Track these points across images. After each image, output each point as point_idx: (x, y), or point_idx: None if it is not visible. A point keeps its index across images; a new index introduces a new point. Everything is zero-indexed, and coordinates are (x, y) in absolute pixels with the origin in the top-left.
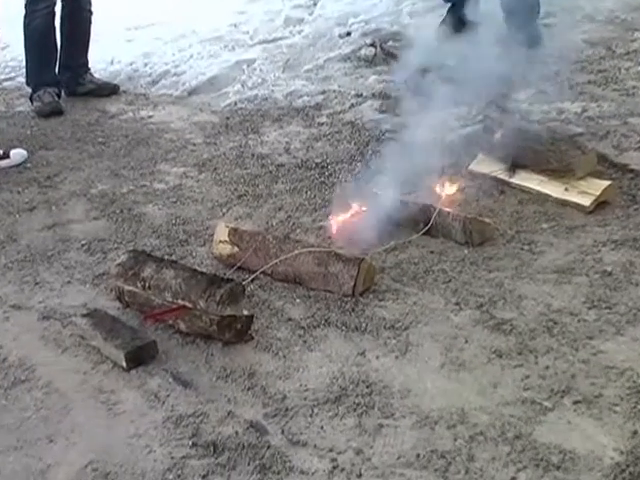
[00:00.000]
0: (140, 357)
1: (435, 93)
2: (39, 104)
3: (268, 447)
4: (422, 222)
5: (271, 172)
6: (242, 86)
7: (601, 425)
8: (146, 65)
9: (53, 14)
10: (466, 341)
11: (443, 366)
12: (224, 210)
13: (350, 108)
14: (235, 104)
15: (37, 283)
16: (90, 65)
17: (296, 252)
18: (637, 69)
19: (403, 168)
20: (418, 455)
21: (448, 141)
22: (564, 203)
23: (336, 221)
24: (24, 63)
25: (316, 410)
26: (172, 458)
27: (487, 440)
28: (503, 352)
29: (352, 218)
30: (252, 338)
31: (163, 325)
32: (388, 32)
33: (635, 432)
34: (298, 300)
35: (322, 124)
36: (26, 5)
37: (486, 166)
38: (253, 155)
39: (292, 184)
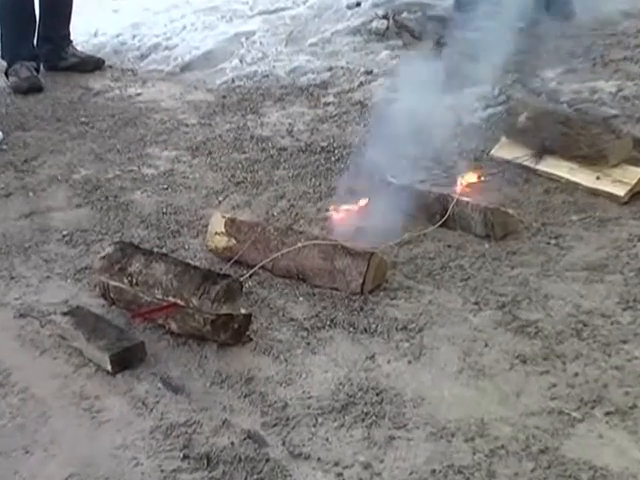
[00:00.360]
0: (127, 360)
1: (454, 70)
2: (15, 79)
3: (267, 460)
4: (438, 213)
5: (272, 157)
6: (240, 61)
7: (635, 439)
8: (134, 37)
9: None
10: (486, 345)
11: (461, 372)
12: (220, 198)
13: (359, 87)
14: (232, 81)
15: (13, 278)
16: (72, 37)
17: (299, 245)
18: None
19: (418, 153)
20: (433, 470)
21: (468, 124)
22: (596, 193)
23: (343, 211)
24: None
25: (320, 420)
26: (162, 471)
27: (509, 455)
28: (527, 357)
29: (361, 208)
30: (250, 340)
31: (152, 325)
32: (402, 2)
33: None
34: (301, 298)
35: (328, 104)
36: None
37: (510, 151)
38: (252, 138)
39: (295, 170)
